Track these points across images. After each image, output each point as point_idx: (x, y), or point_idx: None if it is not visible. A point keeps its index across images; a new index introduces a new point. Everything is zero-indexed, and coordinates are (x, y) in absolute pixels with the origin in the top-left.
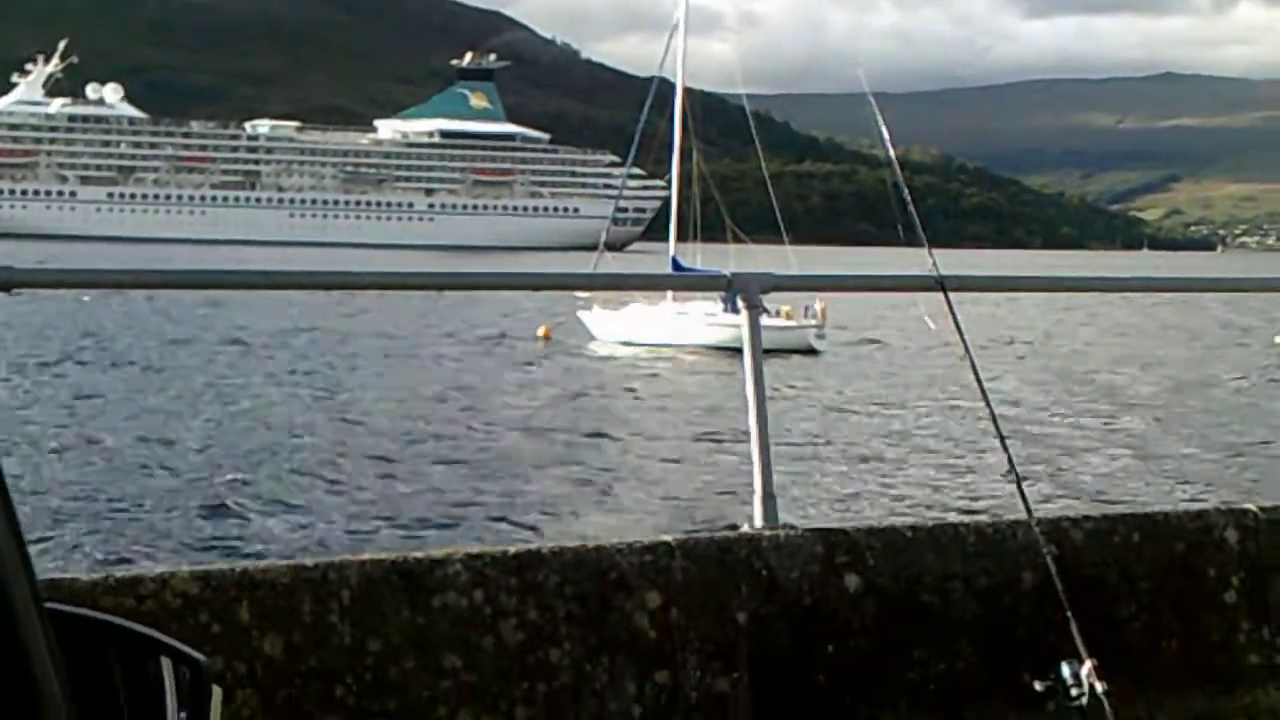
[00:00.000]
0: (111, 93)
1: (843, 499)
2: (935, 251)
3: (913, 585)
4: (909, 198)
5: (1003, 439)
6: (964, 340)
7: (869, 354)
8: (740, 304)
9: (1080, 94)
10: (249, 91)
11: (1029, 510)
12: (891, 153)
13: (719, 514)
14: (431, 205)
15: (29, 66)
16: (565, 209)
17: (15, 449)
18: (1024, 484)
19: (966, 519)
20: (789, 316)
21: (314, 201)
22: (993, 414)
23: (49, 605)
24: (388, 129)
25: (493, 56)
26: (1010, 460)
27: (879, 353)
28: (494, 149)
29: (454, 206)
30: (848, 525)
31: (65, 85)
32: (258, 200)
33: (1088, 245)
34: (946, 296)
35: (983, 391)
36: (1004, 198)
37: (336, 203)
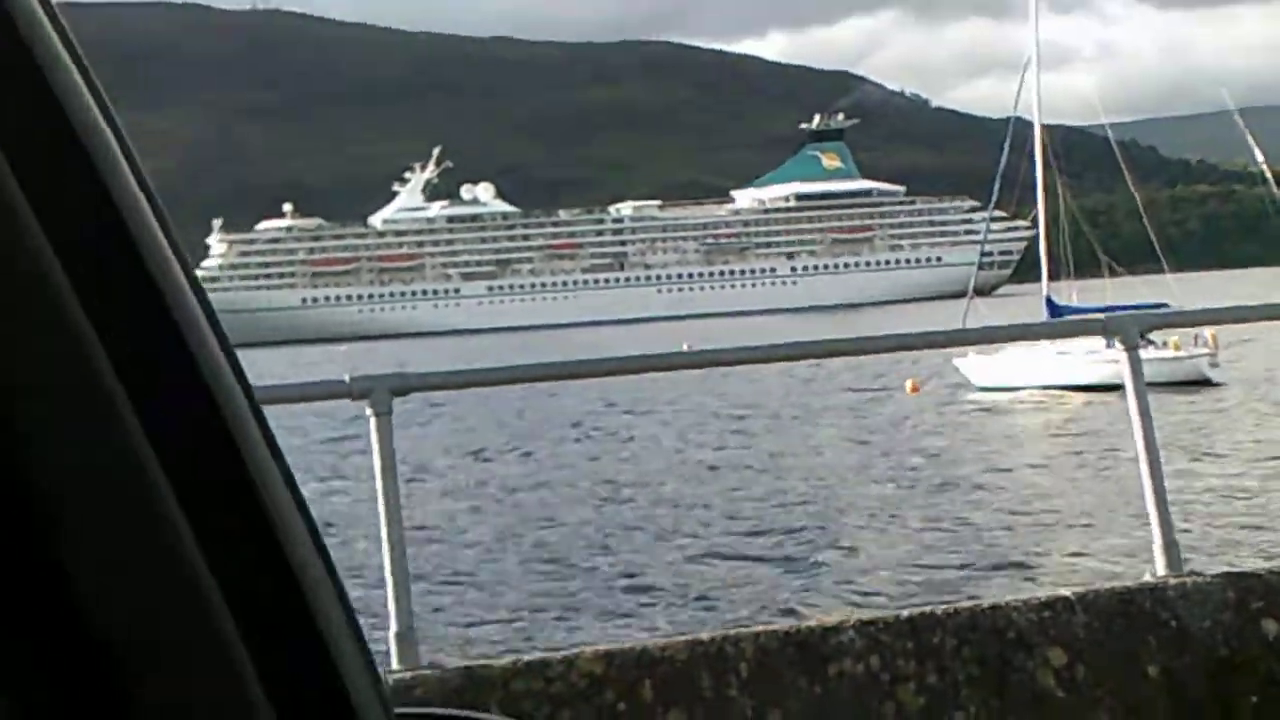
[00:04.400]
0: (484, 191)
1: (1253, 541)
2: None
3: None
4: None
5: None
6: None
7: (1270, 381)
8: (1119, 346)
9: None
10: (611, 177)
11: None
12: (1265, 169)
13: (1118, 564)
14: (794, 269)
15: (407, 175)
16: (927, 259)
17: (446, 539)
18: None
19: None
20: (1177, 347)
21: (679, 276)
22: None
23: (408, 711)
24: (745, 198)
25: (840, 116)
26: None
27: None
28: (850, 206)
29: (815, 268)
30: (1260, 569)
31: (442, 189)
32: (626, 280)
33: None
34: None
35: None
36: None
37: (701, 275)
